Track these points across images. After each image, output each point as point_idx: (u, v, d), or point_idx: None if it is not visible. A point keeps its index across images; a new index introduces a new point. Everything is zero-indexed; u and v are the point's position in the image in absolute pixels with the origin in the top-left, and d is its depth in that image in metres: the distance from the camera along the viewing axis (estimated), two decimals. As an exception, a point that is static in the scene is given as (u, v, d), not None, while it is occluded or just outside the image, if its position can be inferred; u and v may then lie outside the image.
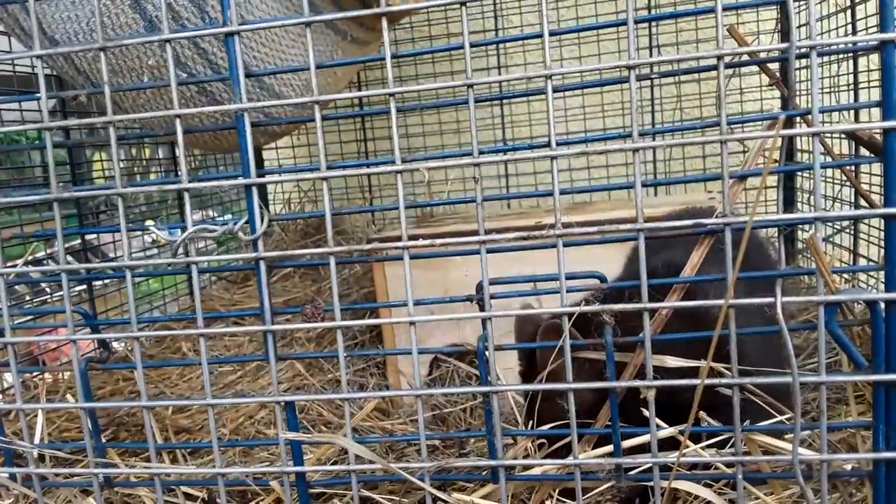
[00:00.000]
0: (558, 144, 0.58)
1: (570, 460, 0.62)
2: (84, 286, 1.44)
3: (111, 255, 1.76)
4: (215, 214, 2.14)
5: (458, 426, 1.25)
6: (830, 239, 1.48)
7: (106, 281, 1.71)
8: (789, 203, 1.60)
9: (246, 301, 1.69)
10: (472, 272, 1.28)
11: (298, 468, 0.66)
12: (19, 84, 1.48)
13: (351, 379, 1.31)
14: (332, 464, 0.95)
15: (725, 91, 0.54)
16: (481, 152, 0.60)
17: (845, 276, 1.18)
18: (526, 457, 0.69)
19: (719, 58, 0.55)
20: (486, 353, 0.63)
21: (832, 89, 1.31)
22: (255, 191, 0.63)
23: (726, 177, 0.55)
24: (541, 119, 2.00)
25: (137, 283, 1.82)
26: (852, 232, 1.27)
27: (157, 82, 0.81)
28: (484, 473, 0.68)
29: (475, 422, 1.24)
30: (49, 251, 1.91)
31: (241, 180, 0.63)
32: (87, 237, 1.60)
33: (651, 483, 0.59)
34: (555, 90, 0.58)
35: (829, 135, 1.16)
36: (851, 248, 1.25)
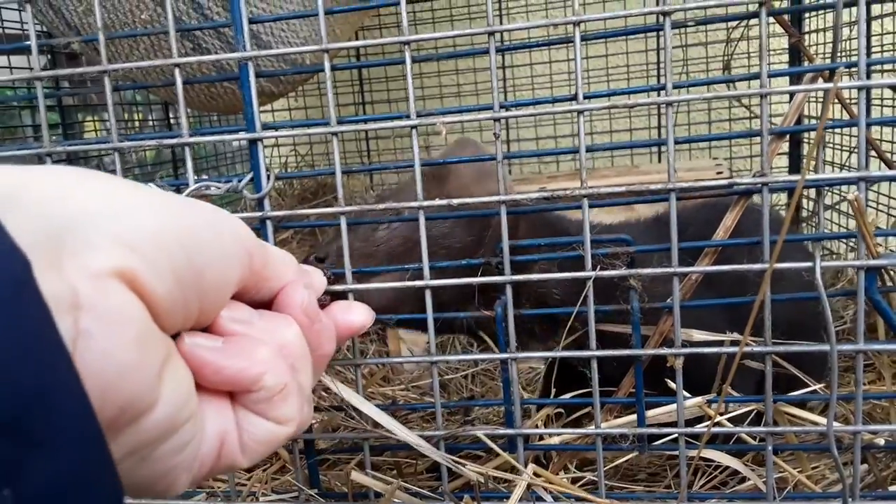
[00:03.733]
0: (585, 98, 0.55)
1: (591, 429, 0.59)
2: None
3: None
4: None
5: (459, 393, 1.23)
6: (837, 206, 1.45)
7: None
8: (795, 169, 1.57)
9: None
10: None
11: (308, 435, 0.63)
12: (9, 43, 1.43)
13: (348, 345, 1.28)
14: (332, 431, 0.94)
15: (768, 42, 0.50)
16: (502, 107, 0.56)
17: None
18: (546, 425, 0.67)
19: (762, 3, 0.51)
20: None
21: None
22: (260, 146, 0.60)
23: (766, 132, 0.52)
24: (543, 83, 1.95)
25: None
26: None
27: (154, 29, 0.76)
28: (501, 442, 0.65)
29: (476, 388, 1.22)
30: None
31: (244, 134, 0.59)
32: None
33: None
34: (583, 39, 0.54)
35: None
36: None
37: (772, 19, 0.53)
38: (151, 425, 0.31)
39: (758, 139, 1.87)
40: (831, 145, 1.40)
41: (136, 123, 2.15)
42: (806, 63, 1.12)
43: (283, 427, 0.38)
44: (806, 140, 1.56)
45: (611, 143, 1.70)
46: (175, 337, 0.34)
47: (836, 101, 0.49)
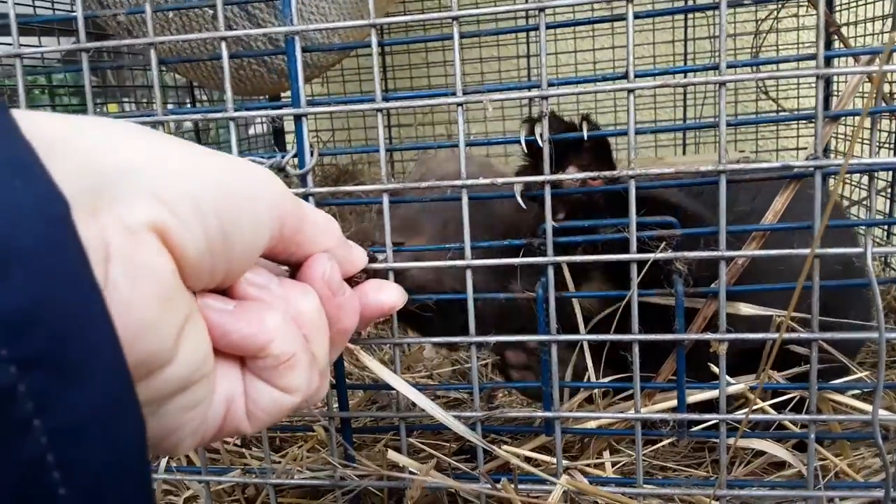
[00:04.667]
0: (636, 76, 0.54)
1: (630, 414, 0.59)
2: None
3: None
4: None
5: (480, 381, 1.23)
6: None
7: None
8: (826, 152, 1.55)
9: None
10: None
11: (345, 413, 0.63)
12: (40, 32, 1.43)
13: (371, 331, 1.29)
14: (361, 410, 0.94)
15: (825, 23, 0.49)
16: (550, 85, 0.55)
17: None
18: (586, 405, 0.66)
19: (820, -16, 0.50)
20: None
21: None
22: (304, 121, 0.59)
23: (820, 114, 0.51)
24: (575, 68, 1.93)
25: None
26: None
27: (196, 2, 0.76)
28: (538, 424, 0.65)
29: (496, 377, 1.22)
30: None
31: (290, 109, 0.59)
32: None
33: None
34: (636, 16, 0.53)
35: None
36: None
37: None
38: (166, 380, 0.31)
39: (784, 128, 1.85)
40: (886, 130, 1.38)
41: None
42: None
43: (288, 396, 0.38)
44: (843, 124, 1.54)
45: (655, 124, 1.67)
46: None
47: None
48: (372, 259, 0.59)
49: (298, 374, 0.38)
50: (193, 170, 0.32)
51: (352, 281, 0.47)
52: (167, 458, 0.67)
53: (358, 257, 0.48)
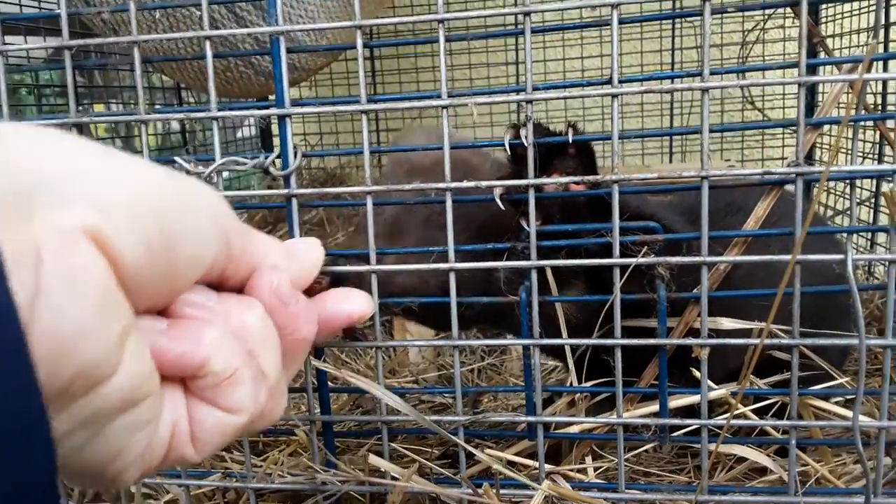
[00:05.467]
0: (620, 82, 0.54)
1: (613, 418, 0.59)
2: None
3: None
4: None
5: (465, 385, 1.23)
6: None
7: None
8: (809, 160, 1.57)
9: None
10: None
11: (326, 417, 0.63)
12: (25, 31, 1.42)
13: (365, 328, 1.28)
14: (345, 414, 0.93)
15: (806, 32, 0.50)
16: (535, 89, 0.56)
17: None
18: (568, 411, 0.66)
19: (803, -8, 0.51)
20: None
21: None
22: (289, 122, 0.59)
23: (802, 122, 0.52)
24: (558, 72, 1.94)
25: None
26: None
27: (183, 1, 0.76)
28: (520, 429, 0.65)
29: (482, 382, 1.22)
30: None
31: (275, 110, 0.59)
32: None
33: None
34: (622, 22, 0.53)
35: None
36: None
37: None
38: (109, 395, 0.29)
39: (770, 138, 1.85)
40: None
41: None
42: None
43: (233, 416, 0.36)
44: (826, 134, 1.56)
45: (642, 131, 1.68)
46: None
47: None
48: (332, 263, 0.57)
49: (243, 391, 0.36)
50: (130, 176, 0.31)
51: (312, 289, 0.45)
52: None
53: (310, 262, 0.45)
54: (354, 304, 0.46)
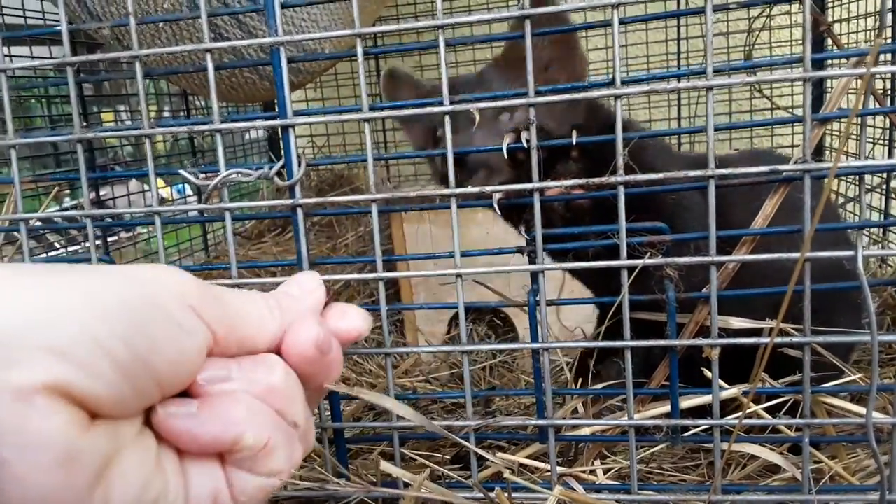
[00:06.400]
0: (623, 83, 0.54)
1: (624, 420, 0.59)
2: (98, 241, 1.41)
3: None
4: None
5: (478, 385, 1.23)
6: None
7: (116, 237, 1.68)
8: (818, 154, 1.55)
9: (261, 257, 1.66)
10: (493, 231, 1.24)
11: (338, 424, 0.63)
12: (31, 42, 1.43)
13: (369, 337, 1.28)
14: (354, 420, 0.93)
15: (810, 26, 0.49)
16: (538, 93, 0.55)
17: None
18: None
19: (806, -13, 0.50)
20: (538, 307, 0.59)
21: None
22: (292, 132, 0.59)
23: (808, 117, 0.51)
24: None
25: (145, 240, 1.79)
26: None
27: (182, 14, 0.76)
28: (530, 431, 0.65)
29: (494, 381, 1.22)
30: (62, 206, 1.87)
31: (277, 121, 0.59)
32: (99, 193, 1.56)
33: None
34: (621, 22, 0.53)
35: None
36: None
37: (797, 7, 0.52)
38: None
39: (780, 126, 1.84)
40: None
41: (151, 115, 2.15)
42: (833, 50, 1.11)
43: (272, 479, 0.38)
44: (833, 132, 1.55)
45: (651, 130, 1.67)
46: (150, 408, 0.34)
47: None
48: None
49: (277, 457, 0.37)
50: (87, 302, 0.30)
51: None
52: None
53: (321, 295, 0.46)
54: (353, 322, 0.47)
